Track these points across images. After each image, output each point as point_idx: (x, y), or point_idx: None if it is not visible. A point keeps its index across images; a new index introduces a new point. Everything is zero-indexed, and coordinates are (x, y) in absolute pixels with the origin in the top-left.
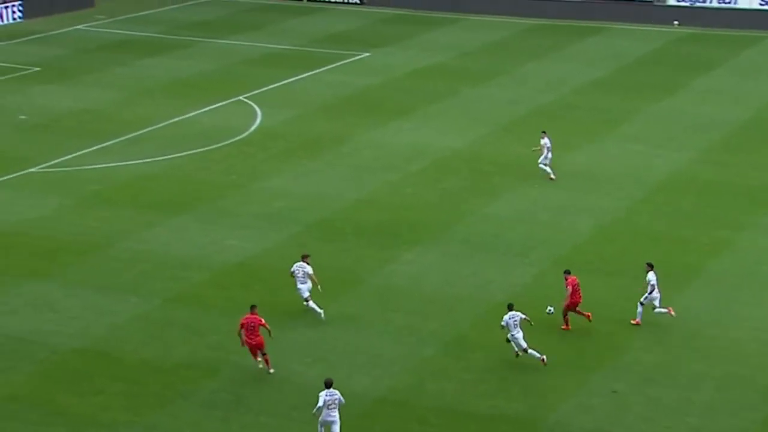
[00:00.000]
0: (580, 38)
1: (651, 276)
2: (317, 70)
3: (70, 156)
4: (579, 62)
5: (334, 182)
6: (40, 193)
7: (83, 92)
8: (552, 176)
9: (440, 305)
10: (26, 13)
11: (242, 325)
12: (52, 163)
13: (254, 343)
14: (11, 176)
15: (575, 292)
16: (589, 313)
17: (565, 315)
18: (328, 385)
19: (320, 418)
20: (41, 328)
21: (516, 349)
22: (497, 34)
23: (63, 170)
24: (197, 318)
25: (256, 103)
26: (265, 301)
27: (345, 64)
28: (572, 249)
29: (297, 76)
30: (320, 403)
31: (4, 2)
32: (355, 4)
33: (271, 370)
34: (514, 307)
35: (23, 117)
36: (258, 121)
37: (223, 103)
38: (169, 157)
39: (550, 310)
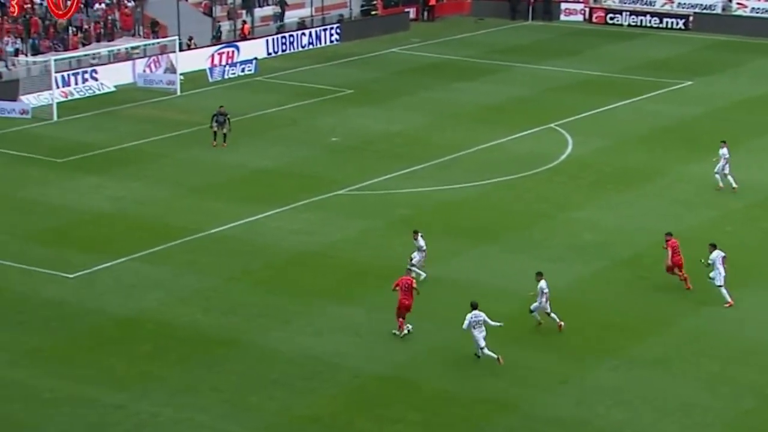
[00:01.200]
0: None
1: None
2: (634, 99)
3: (379, 179)
4: None
5: (647, 216)
6: (348, 216)
7: (394, 115)
8: (730, 186)
9: (763, 354)
10: (343, 36)
11: (398, 285)
12: (361, 185)
13: (408, 303)
14: (320, 197)
15: (675, 253)
16: (687, 276)
17: (670, 271)
18: (474, 306)
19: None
20: (344, 351)
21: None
22: None
23: (372, 193)
24: (497, 351)
25: (567, 131)
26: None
27: (664, 92)
28: None
29: (612, 104)
30: (465, 325)
31: (323, 25)
32: (680, 29)
33: (405, 332)
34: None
35: (335, 139)
36: (569, 149)
37: (534, 130)
38: (478, 183)
39: None
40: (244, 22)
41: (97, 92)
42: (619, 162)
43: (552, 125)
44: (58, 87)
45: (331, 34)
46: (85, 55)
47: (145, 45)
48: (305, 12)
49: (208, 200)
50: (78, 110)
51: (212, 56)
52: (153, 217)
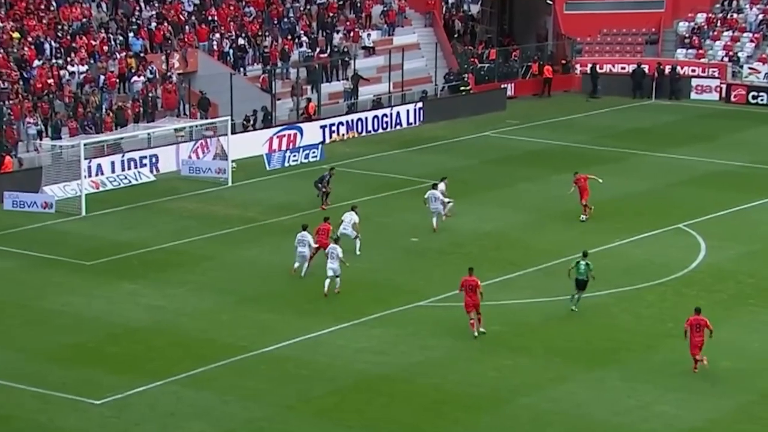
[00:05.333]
0: None
1: None
2: None
3: None
4: None
5: None
6: (430, 333)
7: (486, 211)
8: None
9: None
10: (426, 117)
11: (462, 286)
12: (446, 296)
13: (474, 301)
14: (396, 310)
15: None
16: None
17: None
18: None
19: None
20: None
21: None
22: None
23: (458, 305)
24: None
25: (699, 233)
26: None
27: None
28: None
29: (754, 201)
30: None
31: (402, 104)
32: None
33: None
34: None
35: (415, 240)
36: (701, 255)
37: (657, 231)
38: (588, 295)
39: None
40: (309, 99)
41: (134, 182)
42: (764, 272)
43: (680, 226)
44: (87, 176)
45: (413, 115)
46: (121, 139)
47: (192, 126)
48: (382, 88)
49: (261, 312)
50: (110, 204)
51: (270, 140)
52: (196, 332)
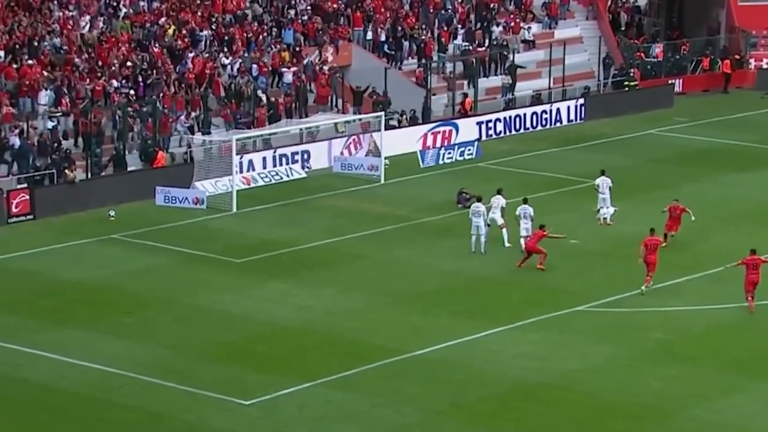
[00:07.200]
0: None
1: None
2: None
3: (631, 293)
4: None
5: None
6: (590, 339)
7: (652, 213)
8: None
9: None
10: (589, 113)
11: (645, 245)
12: (608, 300)
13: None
14: (555, 314)
15: None
16: None
17: None
18: None
19: None
20: None
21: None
22: None
23: (621, 311)
24: None
25: None
26: None
27: None
28: None
29: None
30: None
31: (563, 99)
32: None
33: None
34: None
35: (574, 241)
36: None
37: None
38: (759, 303)
39: None
40: (466, 95)
41: (285, 179)
42: None
43: None
44: (239, 172)
45: (574, 111)
46: (274, 134)
47: (345, 122)
48: (542, 83)
49: (413, 313)
50: (262, 200)
51: (425, 136)
52: (347, 332)
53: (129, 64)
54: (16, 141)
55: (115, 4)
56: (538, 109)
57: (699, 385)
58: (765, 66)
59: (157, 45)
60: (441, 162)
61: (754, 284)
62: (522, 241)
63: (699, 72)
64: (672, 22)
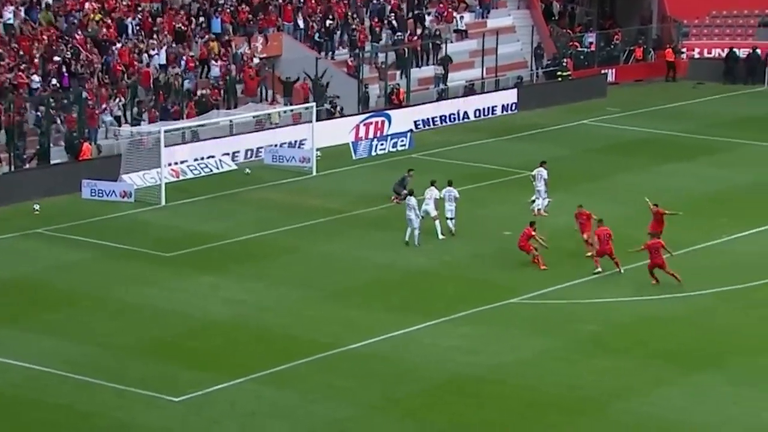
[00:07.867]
0: None
1: None
2: None
3: (563, 285)
4: None
5: None
6: (522, 331)
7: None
8: None
9: None
10: (521, 104)
11: (597, 235)
12: (540, 293)
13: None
14: (487, 307)
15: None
16: None
17: None
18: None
19: None
20: None
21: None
22: None
23: (553, 302)
24: None
25: None
26: None
27: None
28: None
29: None
30: None
31: (496, 90)
32: None
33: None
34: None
35: (508, 233)
36: None
37: (766, 227)
38: (691, 294)
39: None
40: (398, 86)
41: (215, 171)
42: None
43: None
44: (167, 164)
45: (507, 102)
46: (202, 126)
47: (275, 113)
48: (474, 73)
49: (346, 308)
50: (191, 193)
51: (357, 128)
52: (278, 328)
53: (56, 58)
54: None
55: None
56: (471, 99)
57: (631, 377)
58: (697, 56)
59: (81, 33)
60: (374, 153)
61: (657, 266)
62: (449, 223)
63: (632, 62)
64: (605, 12)
